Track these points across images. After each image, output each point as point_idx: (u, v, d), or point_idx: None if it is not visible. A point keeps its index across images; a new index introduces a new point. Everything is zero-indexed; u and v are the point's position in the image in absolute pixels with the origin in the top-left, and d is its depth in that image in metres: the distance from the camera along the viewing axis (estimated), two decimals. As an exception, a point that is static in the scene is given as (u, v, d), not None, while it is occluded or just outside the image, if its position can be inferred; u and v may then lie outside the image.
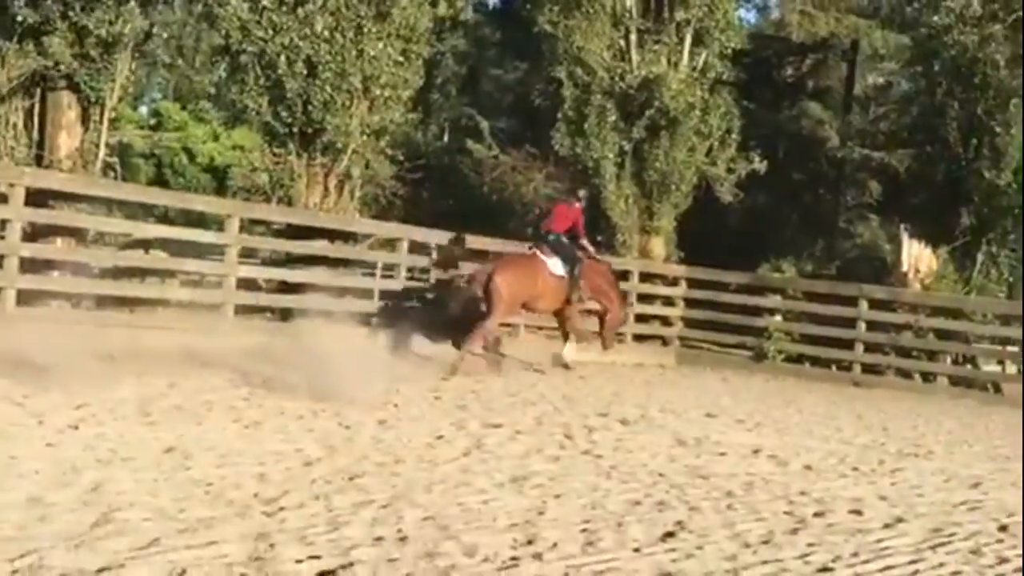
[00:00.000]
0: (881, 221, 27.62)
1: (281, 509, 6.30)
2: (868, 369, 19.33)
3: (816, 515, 7.72)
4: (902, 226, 20.54)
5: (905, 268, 20.08)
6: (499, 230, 24.72)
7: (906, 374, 19.16)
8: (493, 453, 8.82)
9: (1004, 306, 19.65)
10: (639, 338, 20.78)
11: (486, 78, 33.75)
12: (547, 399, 12.74)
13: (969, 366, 19.42)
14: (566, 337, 16.17)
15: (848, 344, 19.43)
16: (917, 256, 19.98)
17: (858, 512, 7.98)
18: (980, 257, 20.54)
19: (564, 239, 15.62)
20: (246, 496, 6.54)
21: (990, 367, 19.30)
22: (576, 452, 9.32)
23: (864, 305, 19.31)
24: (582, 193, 16.74)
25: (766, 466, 9.65)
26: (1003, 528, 7.94)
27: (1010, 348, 19.61)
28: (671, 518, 7.10)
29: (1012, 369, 19.53)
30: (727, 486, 8.43)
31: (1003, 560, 6.96)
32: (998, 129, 20.08)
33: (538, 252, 15.44)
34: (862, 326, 19.35)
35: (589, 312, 16.69)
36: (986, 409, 17.00)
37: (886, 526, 7.64)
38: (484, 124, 28.75)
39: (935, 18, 21.02)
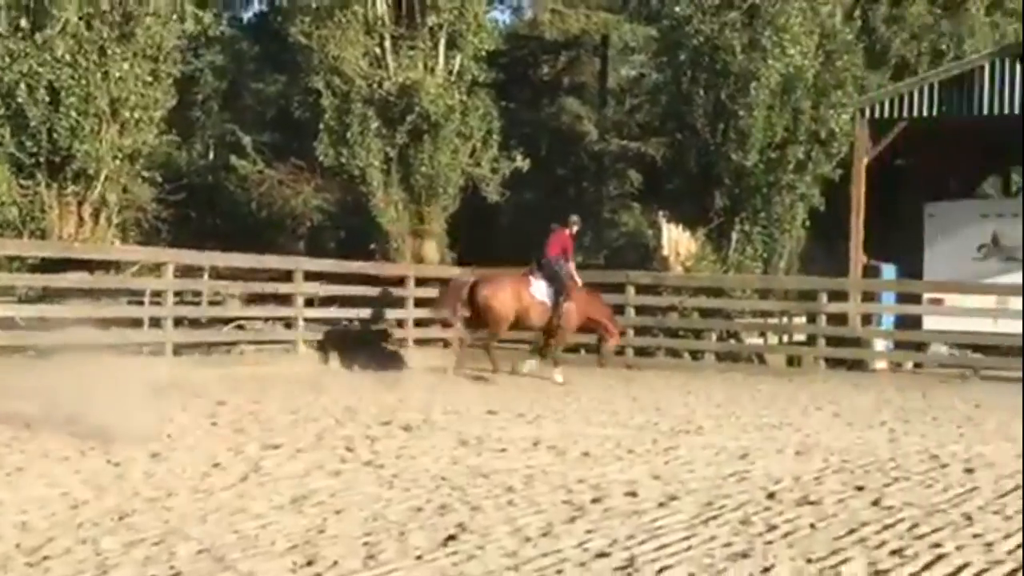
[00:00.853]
0: (642, 208, 28.60)
1: (45, 558, 6.05)
2: (640, 352, 19.96)
3: (593, 501, 7.92)
4: (660, 212, 21.30)
5: (666, 252, 20.84)
6: (270, 246, 24.39)
7: (676, 353, 19.88)
8: (272, 475, 8.69)
9: (761, 281, 20.60)
10: (421, 342, 20.83)
11: (247, 92, 33.19)
12: (329, 413, 12.63)
13: (733, 340, 20.30)
14: (543, 354, 17.30)
15: (620, 330, 19.99)
16: (677, 240, 20.76)
17: (633, 494, 8.22)
18: (735, 236, 21.48)
19: (557, 265, 16.89)
20: (7, 548, 6.25)
21: (753, 340, 20.21)
22: (358, 464, 9.28)
23: (631, 291, 19.93)
24: (574, 218, 17.60)
25: (545, 457, 9.85)
26: (771, 496, 8.33)
27: (770, 320, 20.59)
28: (453, 521, 7.16)
29: (773, 340, 20.50)
30: (508, 482, 8.55)
31: (772, 527, 7.30)
32: (741, 113, 21.03)
33: (529, 275, 16.90)
34: (631, 311, 19.97)
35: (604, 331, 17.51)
36: (752, 380, 17.80)
37: (660, 505, 7.90)
38: (247, 139, 28.26)
39: (676, 9, 21.86)
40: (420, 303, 20.95)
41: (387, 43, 21.29)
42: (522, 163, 22.47)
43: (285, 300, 18.49)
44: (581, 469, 9.23)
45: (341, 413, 12.65)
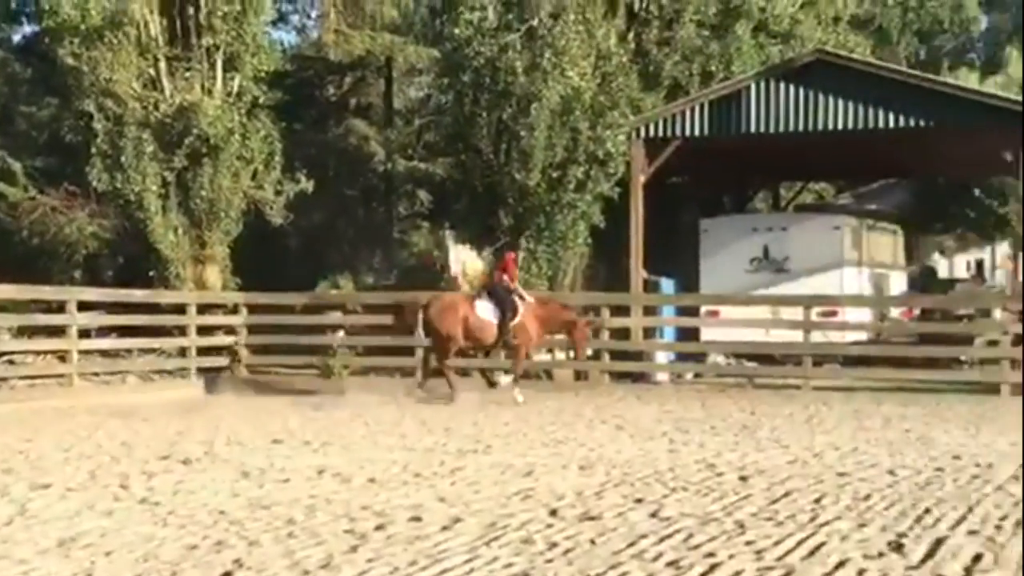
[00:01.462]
0: (431, 228, 28.66)
1: None
2: (432, 373, 19.88)
3: (377, 528, 7.83)
4: (447, 232, 21.38)
5: (454, 271, 20.92)
6: (44, 276, 23.35)
7: (466, 372, 19.92)
8: (39, 517, 8.28)
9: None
10: (204, 371, 20.31)
11: (20, 116, 31.74)
12: (104, 449, 12.13)
13: (523, 358, 20.48)
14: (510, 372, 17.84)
15: (411, 351, 19.96)
16: (464, 259, 20.86)
17: (417, 519, 8.17)
18: (520, 254, 21.73)
19: (502, 287, 17.48)
20: None
21: (541, 356, 20.45)
22: (132, 503, 8.92)
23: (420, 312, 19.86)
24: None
25: (330, 485, 9.69)
26: (553, 513, 8.41)
27: (558, 336, 20.85)
28: (229, 557, 6.95)
29: (561, 355, 20.81)
30: (289, 513, 8.38)
31: (553, 545, 7.36)
32: (523, 133, 21.32)
33: (477, 295, 17.72)
34: (420, 332, 19.90)
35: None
36: (541, 396, 17.96)
37: (444, 528, 7.87)
38: (17, 165, 27.01)
39: (456, 31, 22.02)
40: (202, 331, 20.44)
41: (162, 64, 20.74)
42: (307, 185, 22.21)
43: (58, 332, 17.72)
44: (366, 496, 9.12)
45: (117, 448, 12.17)
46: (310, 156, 26.71)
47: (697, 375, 20.12)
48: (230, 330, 21.06)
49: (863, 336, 21.34)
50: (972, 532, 7.63)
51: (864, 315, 21.48)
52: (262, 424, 14.72)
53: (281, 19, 32.70)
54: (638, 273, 21.31)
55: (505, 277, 17.65)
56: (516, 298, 17.52)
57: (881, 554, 7.05)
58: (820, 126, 20.27)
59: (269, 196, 21.75)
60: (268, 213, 21.98)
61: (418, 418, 15.18)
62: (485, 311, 17.43)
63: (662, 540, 7.46)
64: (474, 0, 21.82)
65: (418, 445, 12.32)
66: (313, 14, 34.04)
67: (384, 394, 17.89)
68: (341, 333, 20.87)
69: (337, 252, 30.42)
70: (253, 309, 21.01)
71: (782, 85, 20.47)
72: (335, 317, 20.87)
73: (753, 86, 20.76)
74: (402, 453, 11.69)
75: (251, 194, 21.57)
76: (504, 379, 18.12)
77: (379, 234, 31.95)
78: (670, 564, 6.87)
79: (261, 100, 21.62)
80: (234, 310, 21.07)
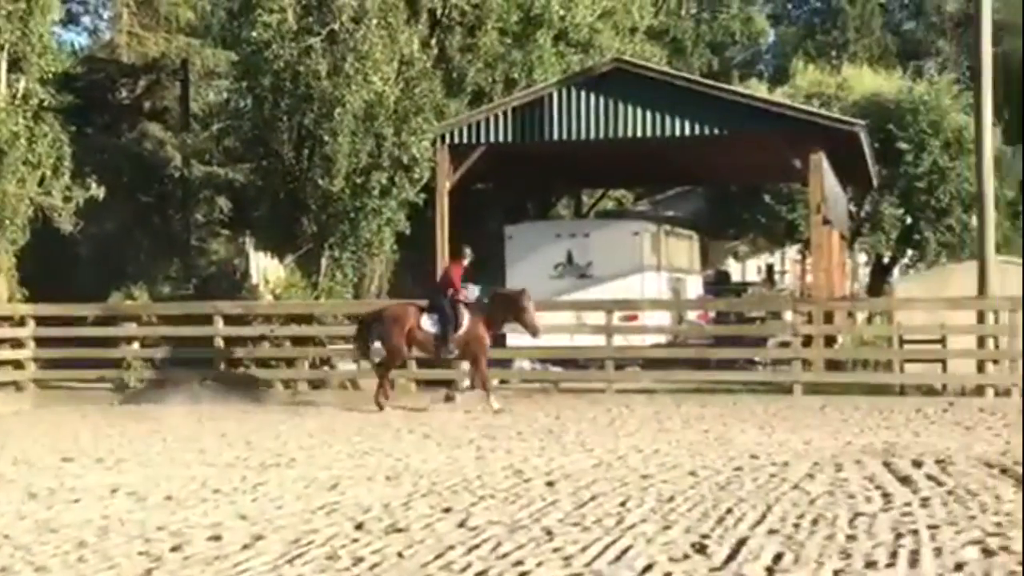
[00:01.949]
0: (231, 236, 27.95)
1: None
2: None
3: (173, 550, 7.51)
4: (248, 239, 20.85)
5: (256, 280, 20.41)
6: None
7: (268, 384, 19.47)
8: None
9: (352, 306, 20.60)
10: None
11: None
12: None
13: (326, 367, 20.17)
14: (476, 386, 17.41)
15: (209, 362, 19.41)
16: (265, 267, 20.38)
17: (217, 538, 7.88)
18: (324, 262, 21.39)
19: (449, 300, 17.07)
20: None
21: (347, 366, 20.15)
22: (-95, 531, 8.32)
23: (220, 322, 19.36)
24: (467, 250, 17.57)
25: (124, 504, 9.28)
26: (359, 526, 8.23)
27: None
28: (12, 586, 6.54)
29: (367, 365, 20.53)
30: (79, 535, 7.96)
31: (358, 560, 7.20)
32: (326, 138, 20.98)
33: (423, 308, 17.28)
34: (220, 342, 19.41)
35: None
36: (347, 406, 17.66)
37: (244, 547, 7.61)
38: None
39: (255, 33, 21.51)
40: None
41: (-60, 65, 19.58)
42: (98, 191, 21.32)
43: None
44: (162, 515, 8.75)
45: None
46: (102, 161, 25.69)
47: (503, 381, 20.17)
48: (17, 343, 20.05)
49: (662, 339, 21.80)
50: (772, 531, 7.81)
51: (663, 319, 21.96)
52: (51, 441, 14.03)
53: (71, 20, 31.42)
54: (444, 280, 21.19)
55: (450, 290, 17.21)
56: (462, 308, 17.17)
57: (686, 556, 7.15)
58: (619, 133, 20.61)
59: (58, 203, 20.77)
60: (57, 220, 21.00)
61: (217, 432, 14.72)
62: (429, 324, 17.16)
63: (470, 550, 7.39)
64: (273, 3, 21.35)
65: (218, 460, 11.93)
66: (105, 15, 32.80)
67: (183, 407, 17.31)
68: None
69: (132, 261, 29.31)
70: (42, 321, 20.06)
71: (582, 93, 20.73)
72: (130, 328, 20.08)
73: (554, 93, 20.96)
74: (201, 468, 11.30)
75: (39, 201, 20.54)
76: (460, 394, 17.56)
77: (176, 242, 30.98)
78: (479, 575, 6.80)
79: (49, 103, 20.64)
80: (21, 322, 20.07)
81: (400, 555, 7.30)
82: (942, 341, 18.44)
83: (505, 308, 17.41)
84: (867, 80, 34.96)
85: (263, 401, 18.51)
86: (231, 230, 30.82)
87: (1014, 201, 32.65)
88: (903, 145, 29.64)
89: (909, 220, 30.88)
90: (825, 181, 20.57)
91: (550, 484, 10.00)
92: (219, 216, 31.84)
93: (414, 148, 21.06)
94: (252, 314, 19.84)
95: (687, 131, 20.51)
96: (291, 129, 21.52)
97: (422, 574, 6.82)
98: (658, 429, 14.30)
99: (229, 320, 19.52)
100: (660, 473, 10.55)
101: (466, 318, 17.17)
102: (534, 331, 17.23)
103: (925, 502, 8.86)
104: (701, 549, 7.31)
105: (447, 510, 8.78)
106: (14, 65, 20.14)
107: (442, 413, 16.54)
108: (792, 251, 36.39)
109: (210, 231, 32.51)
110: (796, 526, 7.98)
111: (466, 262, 17.61)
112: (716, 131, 20.66)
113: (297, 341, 19.83)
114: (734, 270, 37.69)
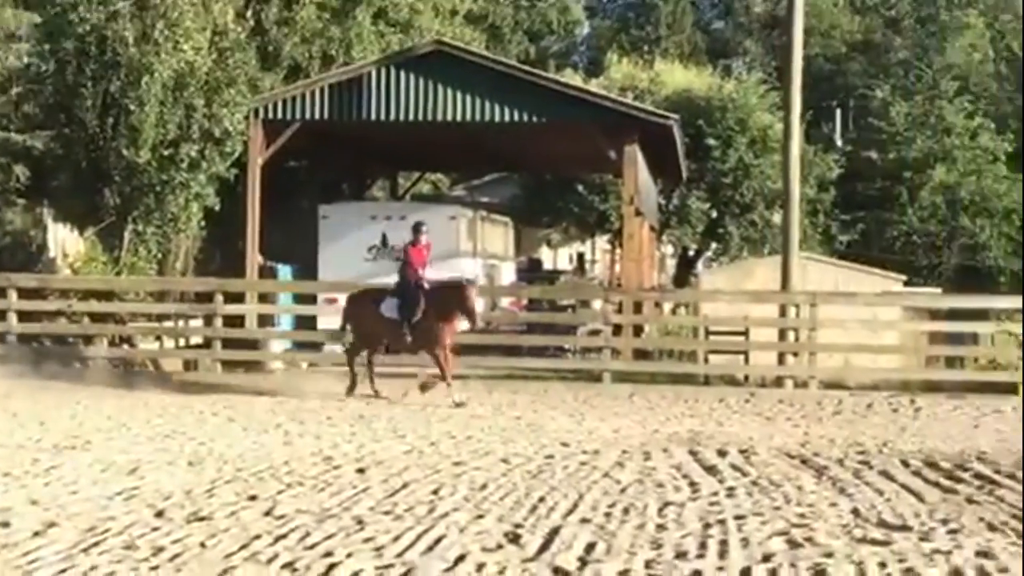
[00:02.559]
0: (27, 206, 26.56)
1: None
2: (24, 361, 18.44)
3: (-46, 539, 7.01)
4: (46, 210, 19.86)
5: (53, 253, 19.48)
6: None
7: (66, 361, 18.61)
8: None
9: (155, 283, 19.90)
10: None
11: None
12: None
13: (127, 346, 19.41)
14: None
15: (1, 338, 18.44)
16: (64, 240, 19.46)
17: (5, 524, 7.41)
18: (127, 236, 20.56)
19: (410, 284, 15.95)
20: None
21: (148, 344, 19.45)
22: None
23: (13, 295, 18.39)
24: (424, 227, 16.37)
25: (-100, 491, 8.64)
26: (160, 514, 7.87)
27: (166, 324, 19.96)
28: None
29: (169, 344, 19.90)
30: None
31: (159, 550, 6.87)
32: (132, 107, 20.14)
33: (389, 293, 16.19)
34: (13, 318, 18.43)
35: None
36: (147, 388, 16.96)
37: (36, 534, 7.18)
38: None
39: (56, -5, 20.51)
40: None
41: None
42: None
43: None
44: (-57, 501, 8.18)
45: None
46: None
47: (312, 364, 19.81)
48: None
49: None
50: (584, 520, 7.80)
51: (478, 305, 21.90)
52: None
53: None
54: (254, 258, 20.69)
55: (413, 272, 16.02)
56: (421, 296, 15.89)
57: (499, 546, 7.07)
58: (437, 116, 20.47)
59: None
60: None
61: (8, 411, 13.94)
62: (389, 308, 16.07)
63: (277, 540, 7.14)
64: (79, -37, 20.38)
65: (8, 441, 11.27)
66: None
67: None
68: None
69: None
70: None
71: (401, 73, 20.49)
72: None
73: (373, 72, 20.66)
74: (-11, 450, 10.66)
75: None
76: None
77: (-33, 210, 29.31)
78: (286, 566, 6.57)
79: None
80: None
81: (203, 545, 7.00)
82: (745, 333, 18.97)
83: (452, 297, 16.02)
84: (678, 76, 35.78)
85: (59, 379, 17.63)
86: (28, 199, 29.32)
87: (814, 199, 33.88)
88: (711, 141, 30.44)
89: (715, 214, 31.72)
90: (639, 173, 20.90)
91: (360, 471, 9.80)
92: (15, 185, 30.24)
93: (226, 121, 20.44)
94: (48, 288, 18.93)
95: (506, 117, 20.52)
96: (95, 96, 20.58)
97: (226, 565, 6.54)
98: (470, 415, 14.24)
99: (23, 294, 18.56)
100: (473, 460, 10.47)
101: (422, 305, 15.91)
102: (473, 320, 16.23)
103: (731, 492, 9.02)
104: (514, 539, 7.24)
105: (253, 498, 8.49)
106: None
107: (248, 397, 16.08)
108: (603, 241, 36.95)
109: (5, 199, 30.87)
110: (607, 515, 8.01)
111: (424, 240, 16.28)
112: (535, 118, 20.73)
113: (96, 318, 19.01)
114: (547, 258, 38.04)
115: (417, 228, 16.43)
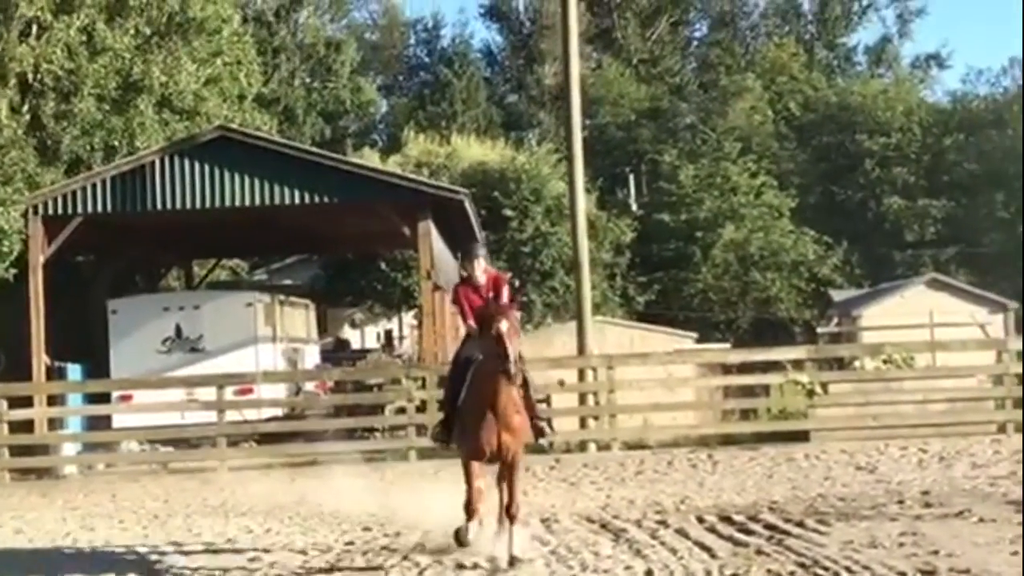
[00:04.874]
0: None
1: None
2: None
3: None
4: None
5: None
6: None
7: None
8: None
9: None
10: None
11: None
12: None
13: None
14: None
15: None
16: None
17: None
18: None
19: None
20: None
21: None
22: None
23: None
24: (481, 251, 10.34)
25: None
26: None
27: None
28: None
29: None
30: None
31: None
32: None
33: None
34: None
35: None
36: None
37: None
38: None
39: None
40: None
41: None
42: None
43: None
44: None
45: None
46: None
47: (109, 465, 19.07)
48: None
49: (279, 412, 21.39)
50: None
51: (279, 391, 21.53)
52: None
53: None
54: (40, 360, 19.86)
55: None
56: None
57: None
58: (225, 202, 20.17)
59: None
60: None
61: None
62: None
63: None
64: None
65: None
66: None
67: None
68: None
69: None
70: None
71: (186, 161, 20.15)
72: None
73: (157, 162, 20.25)
74: None
75: None
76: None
77: None
78: None
79: None
80: None
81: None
82: (547, 400, 19.13)
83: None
84: (474, 150, 36.36)
85: None
86: None
87: (610, 263, 34.75)
88: (508, 212, 30.93)
89: (517, 283, 32.10)
90: (434, 247, 21.00)
91: (149, 576, 9.42)
92: None
93: (1, 220, 19.65)
94: None
95: (296, 199, 20.37)
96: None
97: None
98: (272, 506, 13.88)
99: None
100: (270, 556, 10.20)
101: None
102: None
103: (530, 563, 9.01)
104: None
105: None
106: None
107: (39, 505, 15.31)
108: (409, 316, 36.95)
109: None
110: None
111: (479, 271, 10.03)
112: (325, 199, 20.63)
113: None
114: (353, 337, 37.74)
115: (469, 254, 10.25)
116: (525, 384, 9.52)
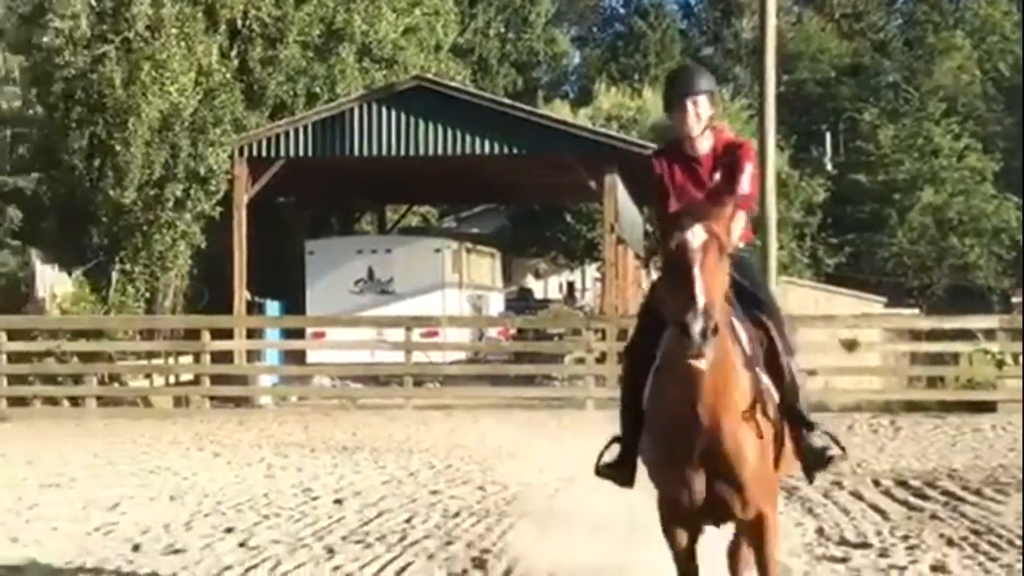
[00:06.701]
0: (18, 248, 26.82)
1: None
2: (15, 402, 18.63)
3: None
4: (33, 251, 20.09)
5: (41, 294, 19.68)
6: None
7: (54, 401, 18.78)
8: None
9: (144, 321, 20.10)
10: None
11: None
12: None
13: (116, 384, 19.57)
14: None
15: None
16: (53, 282, 19.67)
17: (-22, 565, 7.58)
18: (115, 275, 20.76)
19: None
20: None
21: (138, 382, 19.62)
22: None
23: (3, 336, 18.56)
24: (704, 86, 5.74)
25: None
26: (136, 548, 8.04)
27: (155, 361, 20.13)
28: None
29: (159, 381, 20.06)
30: None
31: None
32: (118, 148, 20.41)
33: None
34: (3, 358, 18.60)
35: None
36: (136, 424, 17.15)
37: (12, 570, 7.34)
38: None
39: (45, 39, 20.79)
40: None
41: None
42: None
43: None
44: (-76, 540, 8.35)
45: None
46: None
47: (302, 398, 19.98)
48: None
49: (463, 355, 21.98)
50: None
51: (464, 335, 22.13)
52: None
53: None
54: (241, 295, 20.90)
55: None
56: None
57: (464, 571, 7.23)
58: (420, 150, 20.74)
59: None
60: None
61: (-3, 452, 14.10)
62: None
63: (248, 570, 7.31)
64: (65, 8, 20.65)
65: (-6, 481, 11.44)
66: None
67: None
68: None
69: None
70: None
71: (384, 109, 20.77)
72: None
73: (355, 109, 20.94)
74: (-26, 490, 10.82)
75: None
76: None
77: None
78: (254, 595, 6.73)
79: None
80: None
81: (174, 576, 7.17)
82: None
83: None
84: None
85: (49, 418, 17.82)
86: (20, 241, 29.54)
87: (800, 223, 34.15)
88: (697, 167, 30.65)
89: None
90: (619, 201, 21.11)
91: (338, 502, 9.95)
92: (10, 227, 30.49)
93: (211, 159, 20.68)
94: (37, 329, 19.10)
95: (486, 150, 20.78)
96: (82, 138, 20.84)
97: (196, 596, 6.71)
98: (453, 445, 14.37)
99: (13, 335, 18.73)
100: (449, 489, 10.63)
101: None
102: None
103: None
104: (480, 564, 7.40)
105: (229, 530, 8.64)
106: None
107: (236, 432, 16.22)
108: (592, 269, 37.18)
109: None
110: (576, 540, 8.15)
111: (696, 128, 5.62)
112: (516, 151, 20.99)
113: (85, 357, 19.18)
114: (536, 288, 38.25)
115: (682, 92, 5.60)
116: (773, 356, 5.31)
